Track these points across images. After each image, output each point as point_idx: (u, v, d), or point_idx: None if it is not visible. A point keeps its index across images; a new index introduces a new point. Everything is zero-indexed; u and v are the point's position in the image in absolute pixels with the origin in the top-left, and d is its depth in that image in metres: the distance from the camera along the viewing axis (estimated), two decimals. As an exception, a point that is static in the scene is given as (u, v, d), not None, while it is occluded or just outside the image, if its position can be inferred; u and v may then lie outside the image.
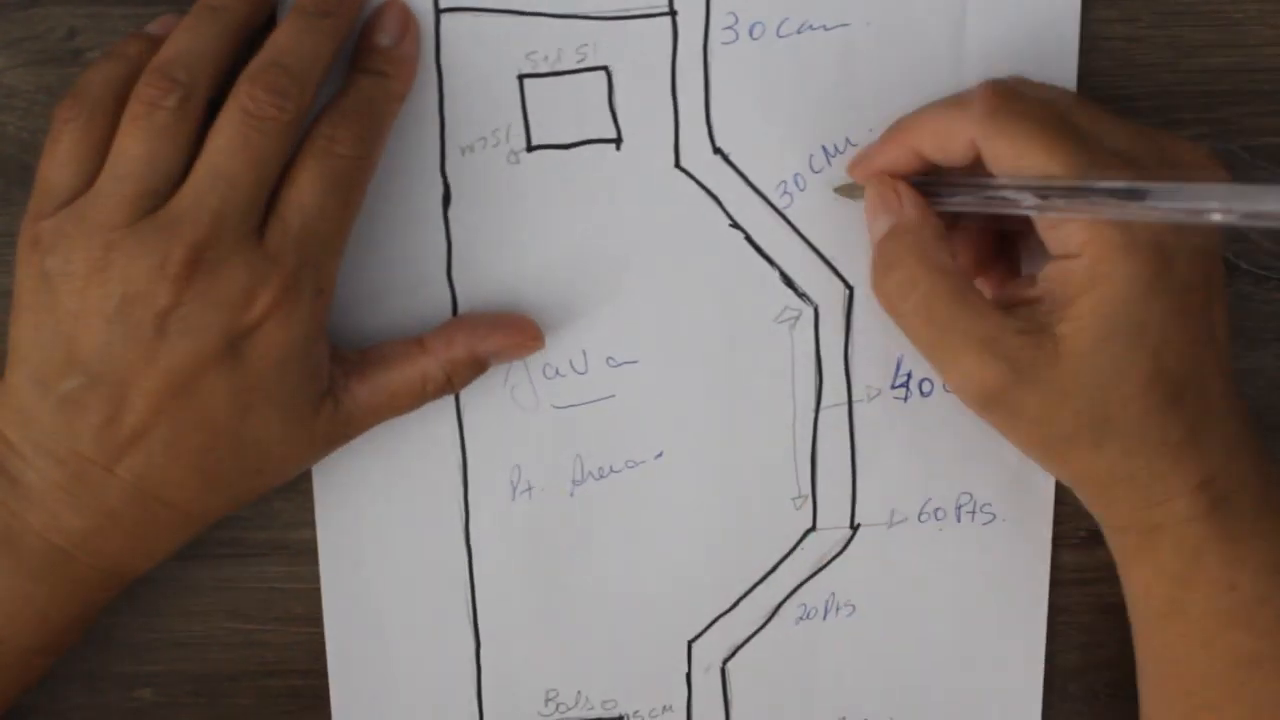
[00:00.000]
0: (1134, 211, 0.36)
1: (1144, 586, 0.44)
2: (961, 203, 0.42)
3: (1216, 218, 0.34)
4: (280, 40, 0.41)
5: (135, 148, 0.40)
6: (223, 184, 0.40)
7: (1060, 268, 0.40)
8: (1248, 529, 0.42)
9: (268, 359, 0.41)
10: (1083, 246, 0.40)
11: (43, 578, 0.42)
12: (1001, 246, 0.46)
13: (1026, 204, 0.39)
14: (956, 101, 0.42)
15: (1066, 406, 0.41)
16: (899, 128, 0.43)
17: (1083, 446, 0.42)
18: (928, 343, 0.42)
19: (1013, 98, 0.41)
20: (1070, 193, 0.38)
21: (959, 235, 0.45)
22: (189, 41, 0.41)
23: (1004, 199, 0.40)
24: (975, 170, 0.42)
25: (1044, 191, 0.39)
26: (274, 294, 0.40)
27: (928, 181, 0.43)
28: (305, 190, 0.41)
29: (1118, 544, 0.45)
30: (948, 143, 0.41)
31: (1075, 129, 0.40)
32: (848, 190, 0.46)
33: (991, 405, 0.42)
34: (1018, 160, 0.40)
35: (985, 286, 0.46)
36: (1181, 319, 0.40)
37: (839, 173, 0.46)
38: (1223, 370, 0.42)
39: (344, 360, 0.44)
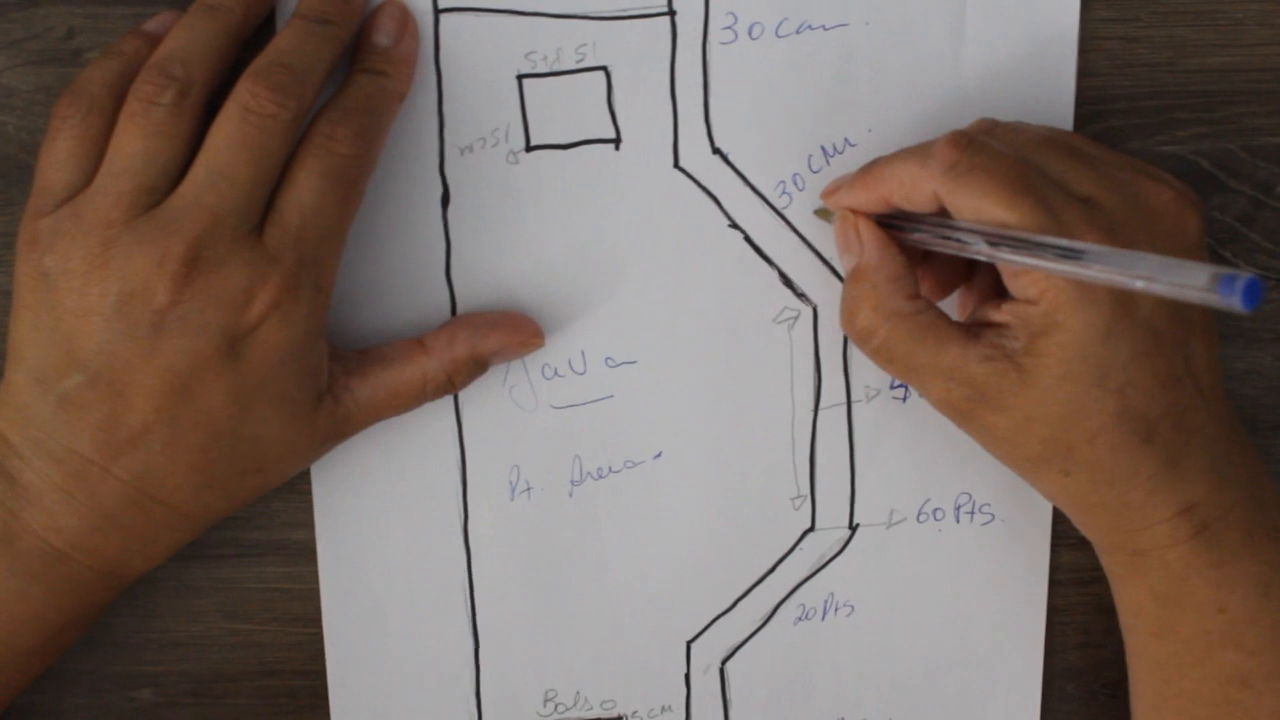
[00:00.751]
0: (1071, 270, 0.37)
1: (1134, 605, 0.45)
2: (921, 239, 0.42)
3: (1140, 285, 0.34)
4: (281, 43, 0.42)
5: (132, 144, 0.40)
6: (222, 182, 0.40)
7: (1021, 308, 0.41)
8: (1235, 552, 0.42)
9: (267, 358, 0.41)
10: (1040, 295, 0.40)
11: (40, 578, 0.42)
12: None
13: (978, 249, 0.40)
14: (920, 153, 0.42)
15: (1033, 433, 0.41)
16: (868, 174, 0.43)
17: (1053, 471, 0.42)
18: (897, 375, 0.44)
19: (973, 151, 0.40)
20: (1018, 244, 0.39)
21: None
22: (186, 39, 0.41)
23: (959, 241, 0.40)
24: (945, 213, 0.42)
25: (994, 239, 0.39)
26: (273, 293, 0.40)
27: (891, 216, 0.43)
28: (304, 188, 0.41)
29: (1107, 563, 0.45)
30: (912, 193, 0.42)
31: (1039, 178, 0.40)
32: (824, 214, 0.46)
33: (963, 422, 0.43)
34: (977, 213, 0.40)
35: (967, 300, 0.46)
36: (1148, 359, 0.40)
37: (838, 173, 0.46)
38: (1206, 400, 0.42)
39: (343, 359, 0.44)
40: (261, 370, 0.41)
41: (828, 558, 0.49)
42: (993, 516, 0.49)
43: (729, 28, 0.45)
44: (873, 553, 0.49)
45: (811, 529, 0.49)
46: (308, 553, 0.48)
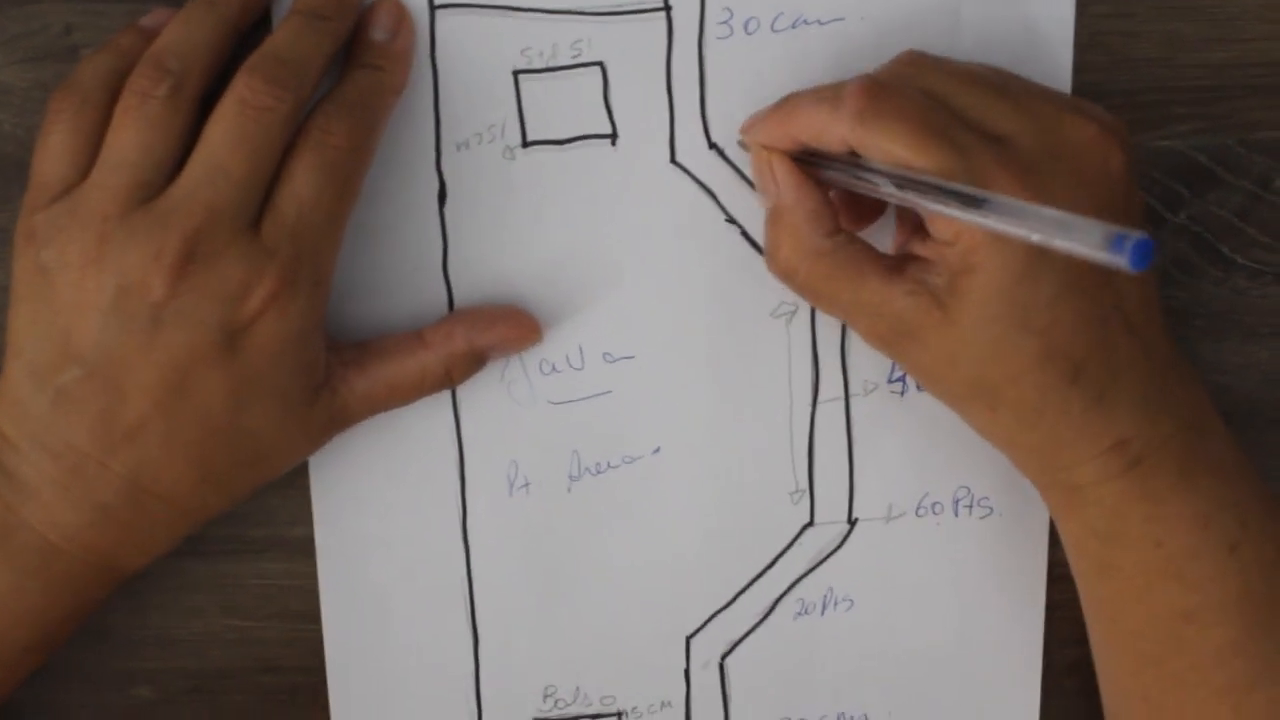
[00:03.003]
0: (973, 219, 0.36)
1: (1076, 543, 0.44)
2: (832, 178, 0.42)
3: (1035, 238, 0.33)
4: (279, 38, 0.42)
5: (128, 138, 0.40)
6: (218, 176, 0.40)
7: (941, 248, 0.40)
8: (1171, 486, 0.42)
9: (265, 352, 0.41)
10: (956, 236, 0.40)
11: (36, 573, 0.42)
12: None
13: (886, 190, 0.39)
14: (830, 97, 0.41)
15: (958, 371, 0.41)
16: (781, 111, 0.43)
17: (979, 409, 0.42)
18: (825, 311, 0.44)
19: (882, 96, 0.40)
20: (924, 188, 0.38)
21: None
22: (182, 33, 0.41)
23: (870, 182, 0.40)
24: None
25: (901, 182, 0.39)
26: (270, 286, 0.40)
27: (806, 153, 0.43)
28: (300, 182, 0.41)
29: (1047, 500, 0.45)
30: (823, 136, 0.41)
31: (951, 119, 0.40)
32: (745, 146, 0.45)
33: (891, 354, 0.43)
34: (886, 157, 0.39)
35: (900, 234, 0.45)
36: (1072, 299, 0.40)
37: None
38: (1138, 336, 0.41)
39: (341, 351, 0.44)
40: (259, 364, 0.41)
41: (827, 552, 0.49)
42: (991, 510, 0.49)
43: (725, 23, 0.45)
44: (872, 547, 0.49)
45: (810, 523, 0.49)
46: (307, 549, 0.48)
